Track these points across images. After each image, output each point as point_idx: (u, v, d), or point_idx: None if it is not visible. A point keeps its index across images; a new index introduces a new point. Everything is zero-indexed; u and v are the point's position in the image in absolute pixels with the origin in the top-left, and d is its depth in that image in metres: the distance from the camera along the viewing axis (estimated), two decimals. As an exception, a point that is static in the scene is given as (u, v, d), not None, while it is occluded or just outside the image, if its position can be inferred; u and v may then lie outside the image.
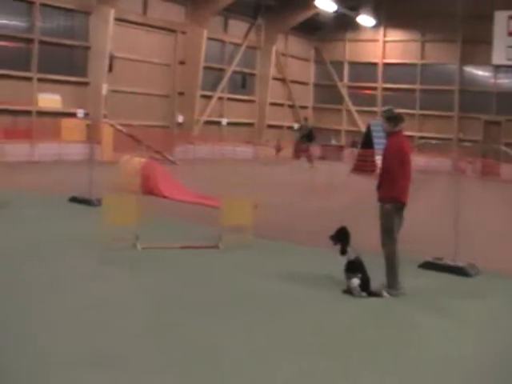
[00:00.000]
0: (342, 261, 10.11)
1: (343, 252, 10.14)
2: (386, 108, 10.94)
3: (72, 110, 31.75)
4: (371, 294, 9.96)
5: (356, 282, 9.89)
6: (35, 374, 6.45)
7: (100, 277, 10.21)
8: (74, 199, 17.63)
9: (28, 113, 30.49)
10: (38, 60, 31.01)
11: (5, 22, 30.16)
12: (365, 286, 9.94)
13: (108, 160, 26.00)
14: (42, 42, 31.24)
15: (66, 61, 32.73)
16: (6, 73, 29.54)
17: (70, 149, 30.04)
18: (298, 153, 40.22)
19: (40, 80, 31.06)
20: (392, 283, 10.15)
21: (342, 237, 10.23)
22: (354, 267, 10.01)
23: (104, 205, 12.59)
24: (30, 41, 30.94)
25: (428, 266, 11.88)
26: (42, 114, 30.82)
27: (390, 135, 10.56)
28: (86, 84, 33.23)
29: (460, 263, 11.65)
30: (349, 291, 9.97)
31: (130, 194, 13.39)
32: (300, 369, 6.99)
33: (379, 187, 10.35)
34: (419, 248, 12.66)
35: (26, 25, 31.01)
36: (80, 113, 32.34)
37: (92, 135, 24.98)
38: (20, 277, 9.89)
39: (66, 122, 31.22)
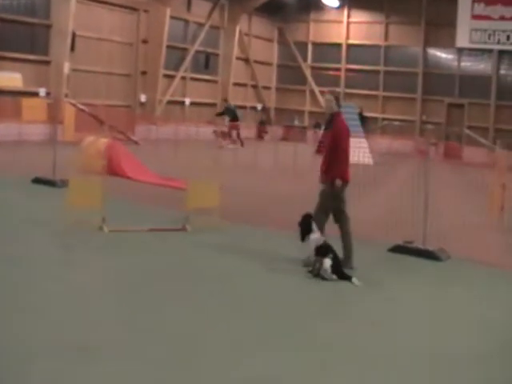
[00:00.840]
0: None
1: (303, 239, 10.38)
2: (331, 88, 11.50)
3: (33, 89, 31.25)
4: (342, 276, 9.97)
5: (328, 262, 9.96)
6: (12, 364, 6.27)
7: (68, 261, 10.08)
8: (37, 180, 17.36)
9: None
10: (-3, 37, 30.45)
11: (-38, -2, 29.61)
12: (336, 268, 9.99)
13: (70, 140, 25.52)
14: (1, 20, 30.65)
15: (27, 39, 32.11)
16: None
17: (32, 129, 29.50)
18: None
19: (-1, 58, 30.52)
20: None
21: (303, 224, 10.43)
22: (324, 251, 10.09)
23: (69, 186, 12.39)
24: (-12, 18, 30.38)
25: (398, 249, 11.86)
26: (2, 93, 30.29)
27: (335, 115, 11.04)
28: (47, 63, 32.68)
29: (430, 247, 11.65)
30: (318, 275, 10.02)
31: (94, 176, 13.15)
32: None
33: (328, 167, 10.62)
34: (388, 232, 12.64)
35: (-17, 1, 30.42)
36: (41, 92, 31.86)
37: (54, 115, 24.57)
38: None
39: (26, 102, 30.55)
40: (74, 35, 32.95)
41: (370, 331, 7.96)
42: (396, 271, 10.85)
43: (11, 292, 8.36)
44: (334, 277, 9.93)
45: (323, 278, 9.93)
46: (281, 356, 6.93)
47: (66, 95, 31.93)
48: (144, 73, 38.26)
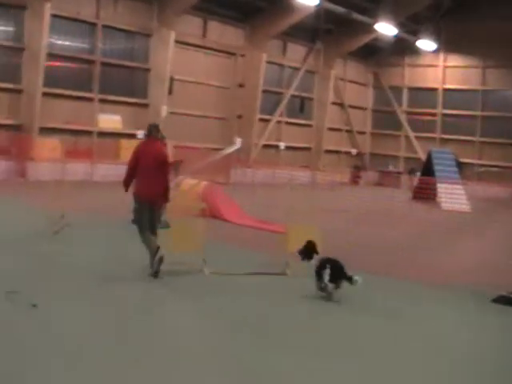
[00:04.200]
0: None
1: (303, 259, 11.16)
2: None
3: (132, 131, 31.80)
4: (340, 280, 10.45)
5: (327, 273, 10.42)
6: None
7: (170, 302, 9.94)
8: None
9: (89, 133, 30.70)
10: (100, 81, 31.33)
11: (68, 43, 30.54)
12: (333, 275, 10.45)
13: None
14: (103, 64, 31.56)
15: (127, 82, 32.93)
16: (69, 93, 29.94)
17: (130, 170, 29.93)
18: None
19: (101, 101, 31.35)
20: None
21: (307, 252, 11.16)
22: (320, 267, 10.62)
23: (172, 229, 12.35)
24: (91, 62, 31.24)
25: (502, 300, 11.32)
26: (103, 134, 30.96)
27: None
28: (145, 106, 33.34)
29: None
30: (324, 291, 10.56)
31: (194, 218, 13.11)
32: None
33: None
34: (491, 281, 12.17)
35: (89, 46, 31.31)
36: (139, 134, 32.35)
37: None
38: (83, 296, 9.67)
39: (125, 143, 31.23)
40: (171, 79, 33.51)
41: None
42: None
43: (110, 323, 8.30)
44: (331, 285, 10.41)
45: (329, 294, 10.46)
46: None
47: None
48: (240, 117, 38.54)
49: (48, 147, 27.10)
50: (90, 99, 31.11)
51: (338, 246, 15.38)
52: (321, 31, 42.70)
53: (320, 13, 37.94)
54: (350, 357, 8.01)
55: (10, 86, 28.59)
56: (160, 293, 10.51)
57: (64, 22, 30.03)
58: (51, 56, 29.34)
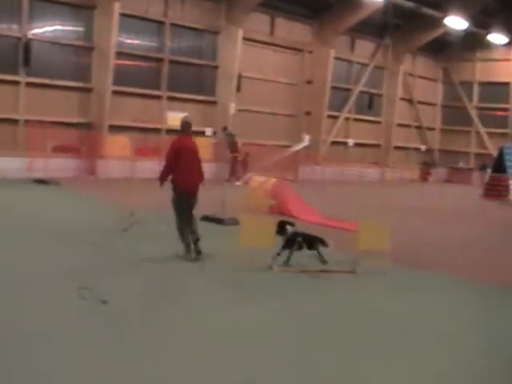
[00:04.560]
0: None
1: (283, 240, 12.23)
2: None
3: (200, 129, 31.87)
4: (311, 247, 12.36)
5: (299, 239, 12.19)
6: None
7: (238, 299, 9.81)
8: (205, 218, 17.37)
9: (157, 130, 30.91)
10: (168, 79, 31.49)
11: (137, 42, 30.74)
12: (310, 240, 12.41)
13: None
14: (171, 62, 31.72)
15: (195, 80, 33.01)
16: (138, 91, 30.21)
17: (199, 167, 30.09)
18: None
19: (169, 98, 31.52)
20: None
21: (280, 229, 12.38)
22: (293, 236, 12.24)
23: (242, 226, 12.27)
24: (160, 60, 31.42)
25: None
26: (171, 131, 31.04)
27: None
28: (213, 103, 33.39)
29: None
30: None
31: (265, 216, 13.02)
32: None
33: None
34: None
35: (157, 44, 31.49)
36: (208, 131, 32.48)
37: (220, 154, 24.88)
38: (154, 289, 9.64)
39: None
40: (239, 76, 33.49)
41: None
42: None
43: (179, 323, 8.22)
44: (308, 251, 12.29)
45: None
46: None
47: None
48: (308, 113, 38.33)
49: (117, 145, 27.33)
50: (158, 97, 31.33)
51: (406, 243, 15.15)
52: (389, 26, 42.00)
53: (388, 7, 37.43)
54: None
55: (81, 84, 28.93)
56: (232, 290, 10.41)
57: (132, 20, 30.26)
58: (120, 55, 29.63)
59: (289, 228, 12.46)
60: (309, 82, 38.28)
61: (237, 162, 29.16)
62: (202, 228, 15.42)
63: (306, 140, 36.35)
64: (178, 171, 12.14)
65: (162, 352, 7.27)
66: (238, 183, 26.68)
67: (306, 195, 21.77)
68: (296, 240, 12.14)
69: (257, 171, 26.48)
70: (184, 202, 12.32)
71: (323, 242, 12.42)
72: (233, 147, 29.51)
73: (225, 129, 29.81)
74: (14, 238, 13.24)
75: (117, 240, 13.36)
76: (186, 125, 12.55)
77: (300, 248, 12.16)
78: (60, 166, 26.13)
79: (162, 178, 12.32)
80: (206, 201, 15.63)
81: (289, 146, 35.73)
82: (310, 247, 12.32)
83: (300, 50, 38.09)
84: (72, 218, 16.32)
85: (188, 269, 11.54)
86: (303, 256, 12.38)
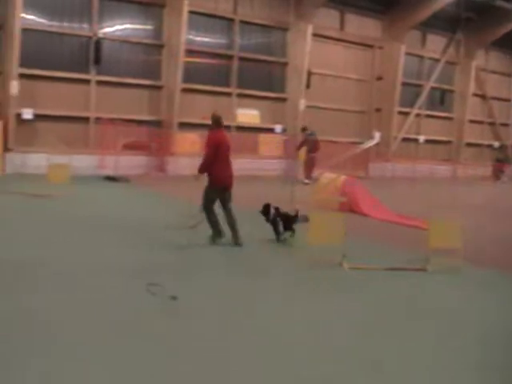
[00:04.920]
0: None
1: (267, 220, 13.62)
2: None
3: (269, 126, 31.80)
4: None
5: (280, 223, 13.44)
6: None
7: (307, 294, 9.64)
8: (274, 215, 17.25)
9: (227, 127, 30.86)
10: (237, 76, 31.45)
11: (206, 39, 30.76)
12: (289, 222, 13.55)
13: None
14: (240, 59, 31.66)
15: (264, 77, 32.89)
16: (208, 89, 30.26)
17: (267, 164, 30.07)
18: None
19: (239, 95, 31.43)
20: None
21: (265, 212, 13.64)
22: (274, 218, 13.53)
23: (311, 222, 12.11)
24: (229, 57, 31.42)
25: None
26: (241, 128, 31.09)
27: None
28: (283, 100, 33.25)
29: None
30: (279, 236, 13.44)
31: (333, 212, 12.82)
32: None
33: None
34: None
35: (226, 41, 31.49)
36: (277, 128, 32.35)
37: (289, 151, 24.74)
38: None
39: (263, 137, 31.32)
40: (309, 73, 33.29)
41: None
42: None
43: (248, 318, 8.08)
44: (286, 233, 13.43)
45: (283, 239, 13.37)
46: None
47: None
48: (378, 110, 37.90)
49: (187, 142, 27.39)
50: (228, 94, 31.34)
51: (476, 241, 14.73)
52: (461, 20, 41.29)
53: (460, 1, 36.80)
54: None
55: (151, 82, 29.12)
56: (296, 282, 10.28)
57: (202, 18, 30.34)
58: (189, 52, 29.70)
59: (272, 211, 13.55)
60: (379, 78, 37.85)
61: (314, 161, 28.57)
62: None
63: (377, 137, 35.96)
64: (217, 166, 12.63)
65: (238, 350, 7.18)
66: (307, 181, 26.43)
67: (376, 192, 21.44)
68: (277, 221, 13.43)
69: (327, 168, 26.19)
70: (218, 195, 12.87)
71: (305, 218, 13.40)
72: (314, 147, 28.95)
73: (304, 129, 29.40)
74: (85, 234, 13.38)
75: (185, 237, 13.30)
76: (219, 119, 12.97)
77: (286, 229, 13.46)
78: (130, 163, 26.38)
79: (202, 171, 12.72)
80: (275, 198, 15.54)
81: (358, 143, 35.40)
82: (286, 228, 13.47)
83: (370, 46, 37.68)
84: (141, 214, 16.40)
85: (260, 267, 11.42)
86: (369, 252, 12.19)
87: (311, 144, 28.57)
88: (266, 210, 13.63)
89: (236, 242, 12.82)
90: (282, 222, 13.43)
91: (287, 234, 13.43)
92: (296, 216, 13.63)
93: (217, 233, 12.96)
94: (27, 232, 13.38)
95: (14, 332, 7.29)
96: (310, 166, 28.22)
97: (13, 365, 6.39)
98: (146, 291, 8.98)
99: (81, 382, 6.13)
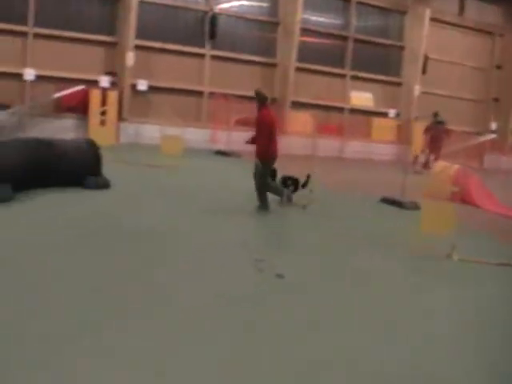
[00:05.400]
0: None
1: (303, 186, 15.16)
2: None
3: (383, 110, 31.32)
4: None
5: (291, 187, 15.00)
6: None
7: (415, 285, 9.38)
8: (384, 200, 16.96)
9: (340, 109, 30.63)
10: (352, 58, 31.03)
11: (322, 19, 30.48)
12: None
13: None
14: (356, 40, 31.22)
15: (379, 60, 32.30)
16: (322, 69, 30.05)
17: (379, 149, 29.70)
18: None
19: (353, 78, 31.06)
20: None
21: (289, 182, 15.14)
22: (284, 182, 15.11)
23: (422, 211, 11.87)
24: (344, 38, 31.02)
25: None
26: (354, 111, 30.76)
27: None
28: (398, 84, 32.63)
29: None
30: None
31: (446, 202, 12.47)
32: None
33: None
34: None
35: (342, 22, 31.11)
36: (391, 113, 31.84)
37: (403, 136, 24.27)
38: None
39: (376, 121, 30.88)
40: (426, 58, 32.56)
41: None
42: None
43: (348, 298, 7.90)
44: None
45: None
46: None
47: (416, 118, 31.50)
48: (496, 100, 36.72)
49: (299, 122, 27.18)
50: (341, 75, 30.94)
51: None
52: None
53: None
54: None
55: (265, 60, 29.05)
56: (403, 272, 10.01)
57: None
58: (305, 31, 29.44)
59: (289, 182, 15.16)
60: (498, 67, 36.66)
61: (439, 151, 27.34)
62: (381, 210, 15.08)
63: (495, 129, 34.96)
64: (272, 142, 13.31)
65: (345, 329, 7.15)
66: (420, 169, 25.79)
67: (490, 185, 20.81)
68: (287, 183, 15.01)
69: (441, 157, 25.56)
70: (268, 171, 13.75)
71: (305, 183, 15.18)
72: (442, 136, 27.79)
73: (436, 115, 28.40)
74: (196, 207, 13.68)
75: (297, 216, 13.23)
76: (266, 97, 13.30)
77: (295, 190, 15.02)
78: (242, 138, 26.32)
79: (265, 154, 13.36)
80: (386, 183, 15.29)
81: (473, 133, 34.42)
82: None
83: (490, 33, 36.46)
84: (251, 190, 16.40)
85: (365, 249, 11.25)
86: (478, 245, 11.85)
87: (437, 132, 27.60)
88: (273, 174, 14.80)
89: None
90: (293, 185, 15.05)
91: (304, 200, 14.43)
92: (307, 179, 15.14)
93: (281, 195, 14.38)
94: (151, 203, 13.67)
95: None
96: (430, 154, 27.32)
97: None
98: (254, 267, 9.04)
99: (213, 352, 6.24)
